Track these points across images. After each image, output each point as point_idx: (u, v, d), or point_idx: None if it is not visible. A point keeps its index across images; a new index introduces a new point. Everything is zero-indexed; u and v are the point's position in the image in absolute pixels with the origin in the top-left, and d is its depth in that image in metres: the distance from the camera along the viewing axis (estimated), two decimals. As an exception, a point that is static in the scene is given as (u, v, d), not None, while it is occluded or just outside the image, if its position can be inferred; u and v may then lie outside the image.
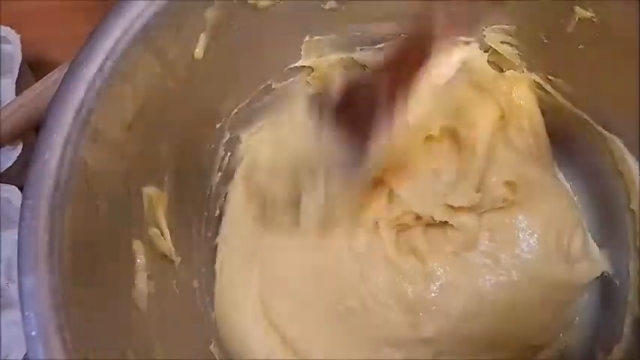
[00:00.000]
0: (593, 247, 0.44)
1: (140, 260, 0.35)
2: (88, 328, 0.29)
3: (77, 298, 0.29)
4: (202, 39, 0.38)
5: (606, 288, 0.43)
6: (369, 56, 0.47)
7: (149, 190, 0.38)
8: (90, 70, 0.32)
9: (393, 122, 0.35)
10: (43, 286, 0.28)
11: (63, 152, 0.30)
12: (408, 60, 0.34)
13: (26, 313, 0.27)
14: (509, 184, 0.42)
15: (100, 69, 0.32)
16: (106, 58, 0.33)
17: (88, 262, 0.31)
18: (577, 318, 0.44)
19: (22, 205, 0.29)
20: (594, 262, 0.43)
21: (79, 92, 0.32)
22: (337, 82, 0.37)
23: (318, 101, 0.38)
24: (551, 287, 0.42)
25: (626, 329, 0.40)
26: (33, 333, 0.26)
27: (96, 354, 0.28)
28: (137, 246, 0.36)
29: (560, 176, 0.47)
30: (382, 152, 0.37)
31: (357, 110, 0.36)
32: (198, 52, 0.39)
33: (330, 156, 0.38)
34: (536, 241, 0.42)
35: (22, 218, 0.29)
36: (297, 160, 0.39)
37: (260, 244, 0.45)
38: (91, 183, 0.32)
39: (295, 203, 0.42)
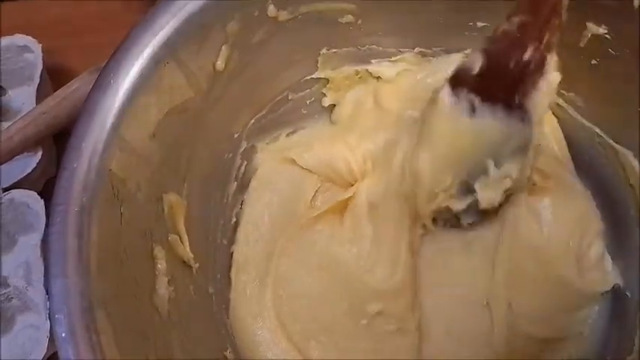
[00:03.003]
0: (608, 260, 0.44)
1: (161, 265, 0.36)
2: (114, 330, 0.30)
3: (103, 301, 0.30)
4: (224, 51, 0.40)
5: (617, 300, 0.43)
6: (383, 68, 0.48)
7: (170, 197, 0.39)
8: (117, 82, 0.33)
9: (545, 67, 0.34)
10: (72, 289, 0.28)
11: (91, 160, 0.32)
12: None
13: (56, 316, 0.27)
14: (540, 172, 0.42)
15: (127, 80, 0.33)
16: (133, 70, 0.34)
17: (112, 266, 0.32)
18: (587, 329, 0.44)
19: (51, 209, 0.30)
20: (607, 274, 0.43)
21: (106, 102, 0.33)
22: (475, 55, 0.35)
23: (460, 80, 0.36)
24: (561, 287, 0.42)
25: (638, 342, 0.40)
26: (63, 334, 0.27)
27: (122, 356, 0.29)
28: (158, 251, 0.37)
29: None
30: (545, 106, 0.36)
31: (501, 73, 0.35)
32: (220, 63, 0.40)
33: (492, 133, 0.36)
34: (559, 237, 0.42)
35: (51, 223, 0.30)
36: (459, 148, 0.37)
37: (272, 261, 0.45)
38: (117, 189, 0.33)
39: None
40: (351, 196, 0.45)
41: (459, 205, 0.39)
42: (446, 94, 0.36)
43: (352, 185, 0.46)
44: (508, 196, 0.40)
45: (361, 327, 0.42)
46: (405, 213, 0.42)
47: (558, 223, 0.42)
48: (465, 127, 0.36)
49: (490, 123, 0.36)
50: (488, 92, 0.35)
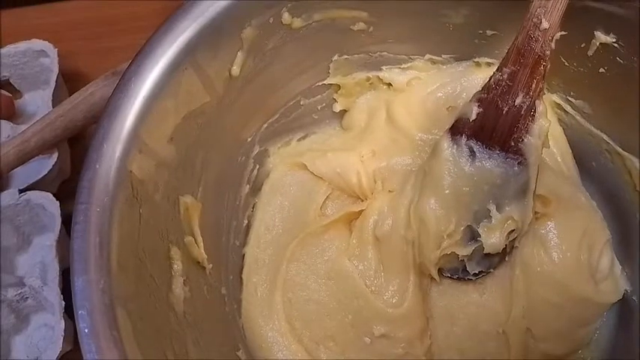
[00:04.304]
0: (617, 266, 0.44)
1: (177, 266, 0.37)
2: (134, 328, 0.30)
3: (123, 299, 0.31)
4: (239, 57, 0.40)
5: (624, 305, 0.44)
6: (394, 75, 0.49)
7: (185, 200, 0.39)
8: (137, 86, 0.34)
9: (536, 112, 0.37)
10: (94, 286, 0.29)
11: (112, 161, 0.32)
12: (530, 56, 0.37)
13: (79, 312, 0.28)
14: (540, 198, 0.43)
15: (147, 85, 0.34)
16: (153, 75, 0.35)
17: (132, 265, 0.33)
18: (596, 334, 0.44)
19: (74, 208, 0.31)
20: (617, 282, 0.44)
21: (127, 106, 0.34)
22: (471, 104, 0.39)
23: (459, 128, 0.39)
24: (578, 304, 0.42)
25: (645, 346, 0.41)
26: (86, 330, 0.28)
27: (142, 352, 0.30)
28: (174, 252, 0.37)
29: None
30: (539, 150, 0.38)
31: (496, 118, 0.38)
32: (235, 69, 0.41)
33: (492, 176, 0.39)
34: (569, 255, 0.43)
35: (74, 222, 0.30)
36: (461, 193, 0.40)
37: (282, 264, 0.46)
38: (136, 190, 0.34)
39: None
40: (359, 210, 0.46)
41: (464, 251, 0.41)
42: (446, 143, 0.40)
43: (362, 201, 0.47)
44: (512, 243, 0.42)
45: (365, 344, 0.43)
46: (410, 259, 0.43)
47: (565, 243, 0.43)
48: (465, 172, 0.39)
49: (489, 167, 0.39)
50: (486, 137, 0.39)
